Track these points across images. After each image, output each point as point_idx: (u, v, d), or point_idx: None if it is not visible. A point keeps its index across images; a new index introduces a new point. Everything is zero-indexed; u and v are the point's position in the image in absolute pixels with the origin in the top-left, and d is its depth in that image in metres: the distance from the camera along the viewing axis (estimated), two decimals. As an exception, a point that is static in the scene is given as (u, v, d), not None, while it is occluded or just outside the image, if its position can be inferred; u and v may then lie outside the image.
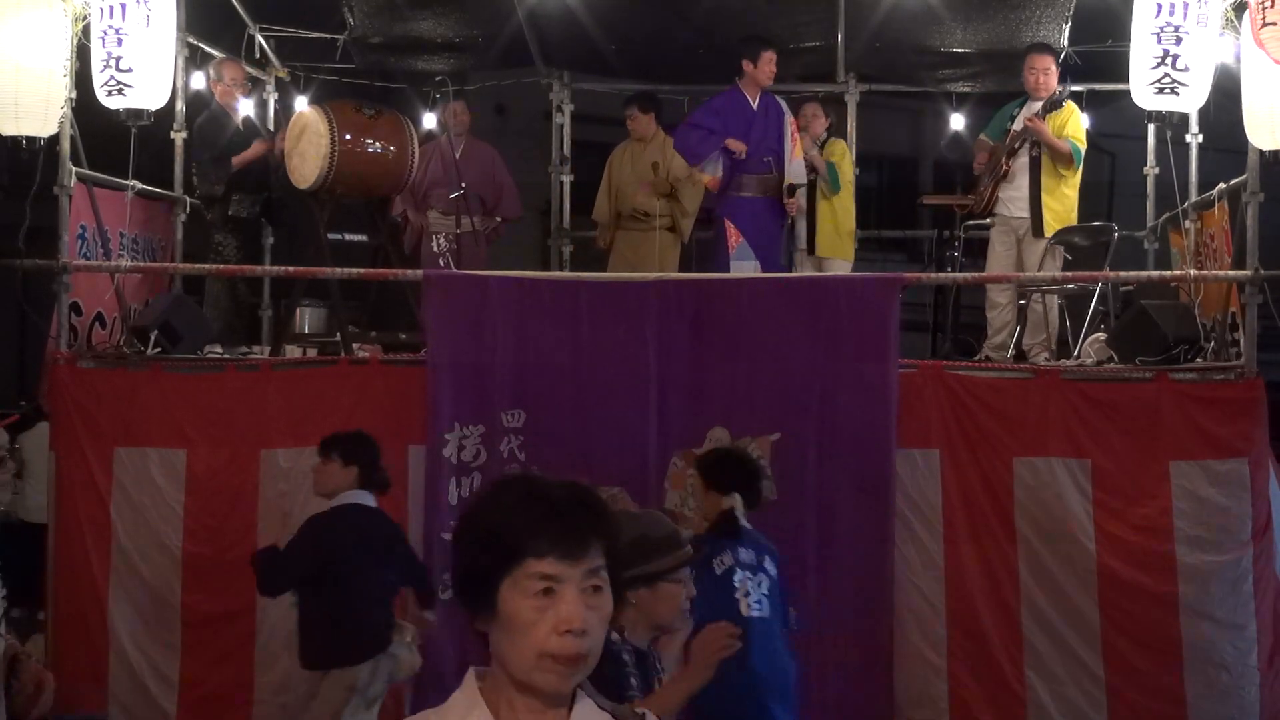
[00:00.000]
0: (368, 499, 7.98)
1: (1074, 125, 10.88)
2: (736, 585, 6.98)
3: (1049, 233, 10.80)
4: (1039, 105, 10.87)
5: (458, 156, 11.78)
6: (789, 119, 11.22)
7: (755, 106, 11.28)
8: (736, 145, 11.09)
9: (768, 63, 11.15)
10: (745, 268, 11.12)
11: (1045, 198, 10.79)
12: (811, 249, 11.64)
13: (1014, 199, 10.94)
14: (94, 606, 9.37)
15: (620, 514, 6.05)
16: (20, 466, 13.04)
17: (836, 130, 12.41)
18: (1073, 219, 10.94)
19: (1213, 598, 9.03)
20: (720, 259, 11.35)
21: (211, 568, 9.17)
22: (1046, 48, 11.27)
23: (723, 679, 6.16)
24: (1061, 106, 10.84)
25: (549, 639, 2.66)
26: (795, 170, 11.17)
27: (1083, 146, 10.92)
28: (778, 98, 11.36)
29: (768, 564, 7.12)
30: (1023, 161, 10.88)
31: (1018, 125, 10.96)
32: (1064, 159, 10.76)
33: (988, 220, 11.14)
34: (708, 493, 7.34)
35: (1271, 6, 6.76)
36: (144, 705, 9.26)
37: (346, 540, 7.80)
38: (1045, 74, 10.96)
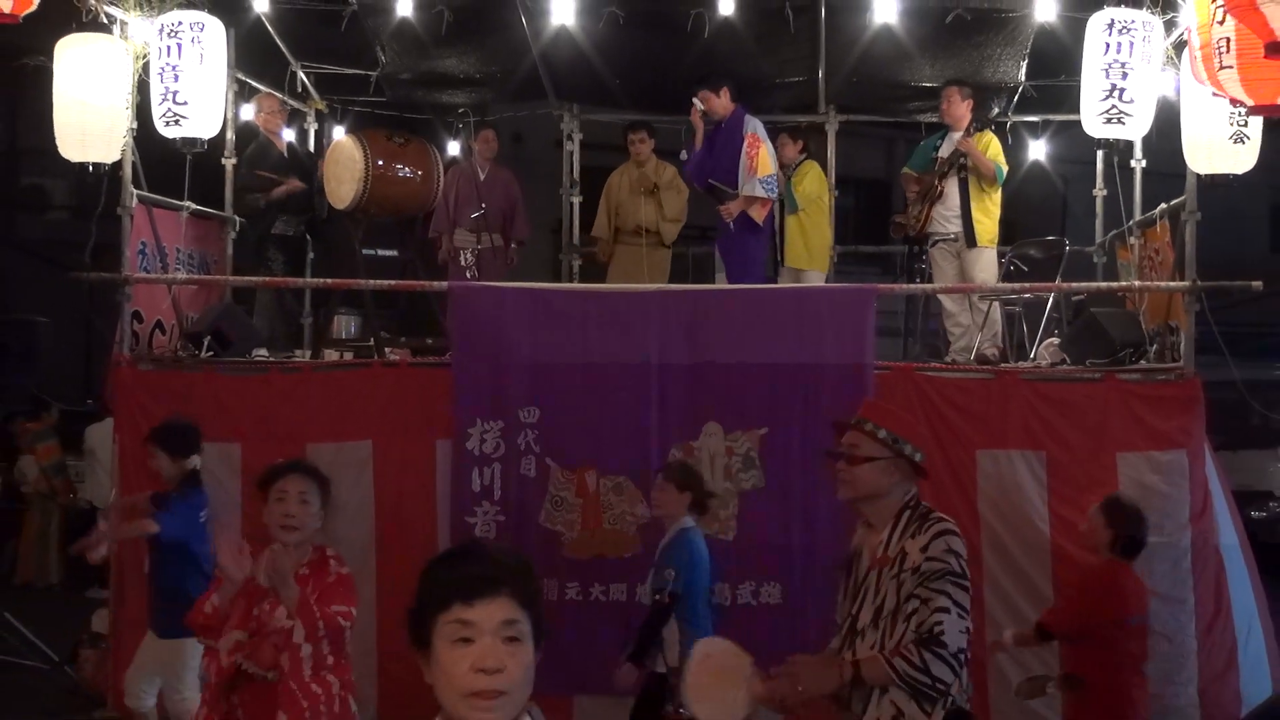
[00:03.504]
0: None
1: (995, 151, 11.01)
2: (210, 532, 7.72)
3: (981, 243, 10.90)
4: (959, 135, 10.91)
5: (482, 178, 11.81)
6: (747, 139, 10.97)
7: (721, 126, 11.18)
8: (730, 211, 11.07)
9: (709, 100, 11.02)
10: (718, 279, 11.29)
11: (975, 213, 10.86)
12: (782, 260, 11.65)
13: (947, 216, 11.01)
14: (159, 583, 9.35)
15: None
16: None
17: (817, 155, 12.41)
18: (997, 231, 11.07)
19: (1156, 575, 9.00)
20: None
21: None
22: (960, 82, 11.31)
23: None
24: (983, 132, 10.91)
25: None
26: (748, 186, 10.85)
27: (1004, 168, 11.00)
28: (749, 119, 11.09)
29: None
30: (953, 183, 10.92)
31: (945, 151, 11.01)
32: (988, 178, 10.81)
33: (944, 234, 11.09)
34: (173, 459, 7.96)
35: (1227, 51, 6.75)
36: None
37: None
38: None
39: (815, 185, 12.05)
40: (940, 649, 4.43)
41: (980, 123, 11.01)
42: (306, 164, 12.05)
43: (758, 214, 10.96)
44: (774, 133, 11.78)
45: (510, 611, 2.51)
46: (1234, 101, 7.37)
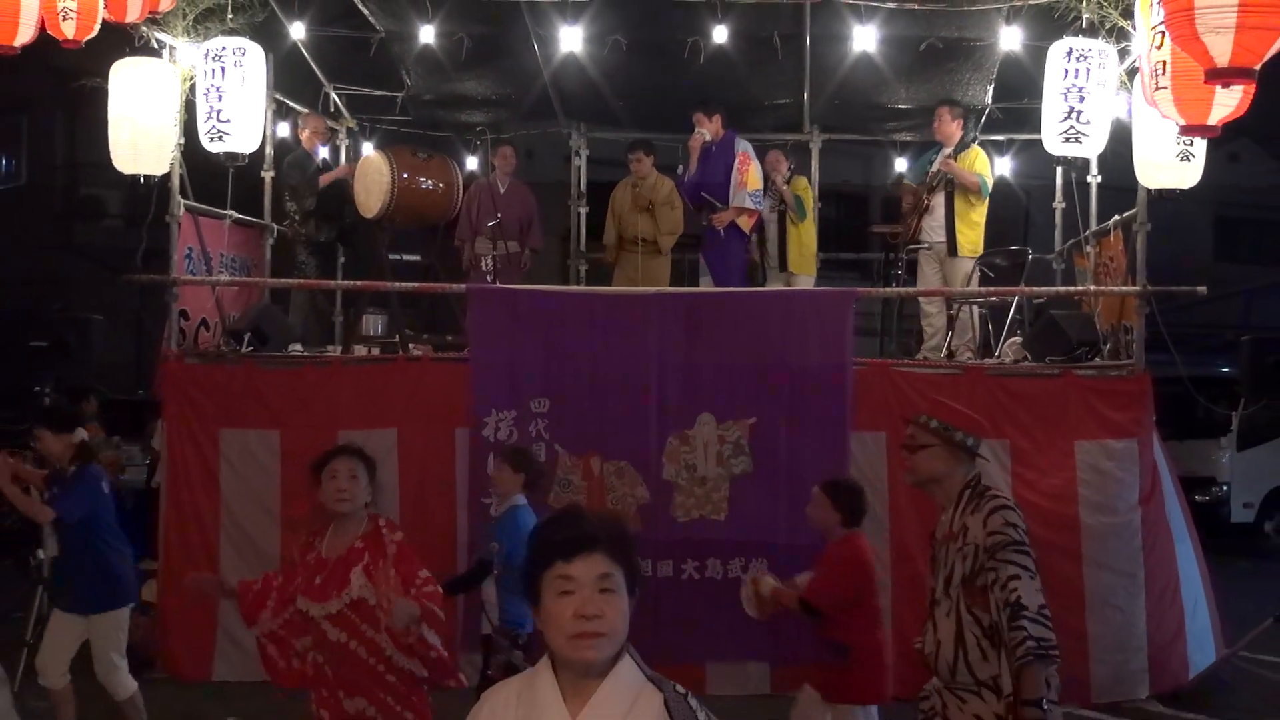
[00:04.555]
0: None
1: (981, 164, 10.92)
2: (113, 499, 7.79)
3: (962, 254, 10.85)
4: (950, 150, 10.89)
5: (503, 191, 11.80)
6: (739, 158, 11.22)
7: (712, 149, 11.40)
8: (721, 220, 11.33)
9: (700, 123, 11.30)
10: (702, 282, 11.38)
11: (959, 225, 10.82)
12: (784, 266, 11.61)
13: (934, 227, 10.97)
14: (205, 554, 9.38)
15: None
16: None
17: (801, 171, 12.39)
18: (981, 243, 10.97)
19: (1109, 551, 9.06)
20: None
21: (305, 524, 9.08)
22: (952, 102, 11.29)
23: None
24: (969, 148, 10.87)
25: None
26: (738, 198, 11.15)
27: (989, 180, 10.93)
28: (739, 140, 11.35)
29: None
30: (940, 197, 10.90)
31: (935, 168, 10.98)
32: (973, 190, 10.76)
33: (923, 244, 11.10)
34: (57, 435, 7.62)
35: (1163, 73, 6.77)
36: (249, 634, 9.21)
37: None
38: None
39: (809, 197, 12.05)
40: (1025, 611, 4.46)
41: (969, 138, 11.00)
42: (347, 165, 12.08)
43: (745, 223, 11.13)
44: (764, 150, 11.82)
45: (605, 566, 2.65)
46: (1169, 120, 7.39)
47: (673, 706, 2.65)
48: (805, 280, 11.64)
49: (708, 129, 11.22)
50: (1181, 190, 9.09)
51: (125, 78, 9.46)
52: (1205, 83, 6.08)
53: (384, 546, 5.34)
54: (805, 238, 11.73)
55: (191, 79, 9.64)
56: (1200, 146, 8.86)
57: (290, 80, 11.77)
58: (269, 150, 11.37)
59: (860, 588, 6.34)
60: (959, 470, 4.90)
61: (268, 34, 10.40)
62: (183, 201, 9.98)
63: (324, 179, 11.43)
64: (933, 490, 5.01)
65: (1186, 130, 7.08)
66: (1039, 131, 9.66)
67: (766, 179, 11.61)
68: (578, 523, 2.73)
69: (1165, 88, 6.78)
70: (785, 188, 11.48)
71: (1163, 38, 6.63)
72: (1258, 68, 5.74)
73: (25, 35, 7.45)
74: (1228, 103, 6.55)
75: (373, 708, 5.23)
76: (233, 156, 9.70)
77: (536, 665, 2.73)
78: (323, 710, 5.32)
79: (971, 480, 4.88)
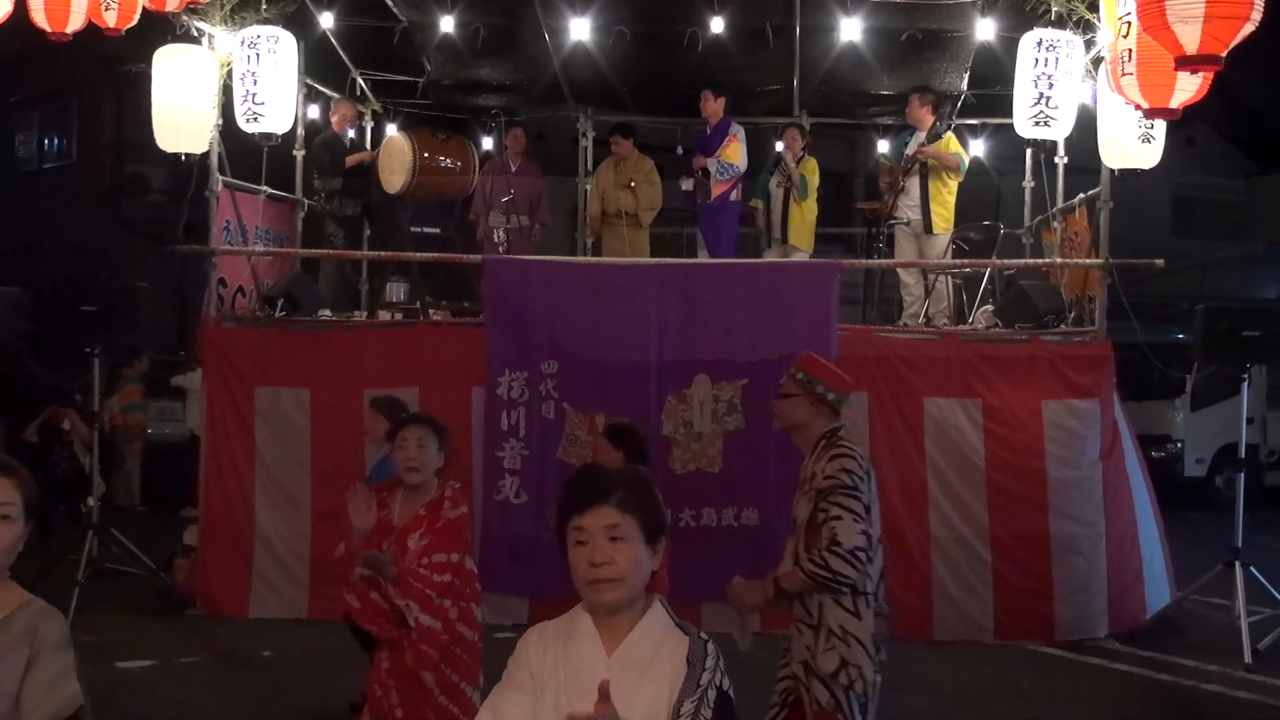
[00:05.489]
0: None
1: (955, 145, 10.91)
2: None
3: (936, 230, 10.81)
4: (924, 135, 10.84)
5: (515, 170, 11.74)
6: (730, 135, 11.16)
7: (708, 132, 11.36)
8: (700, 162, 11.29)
9: (706, 99, 11.21)
10: (700, 255, 11.38)
11: (932, 203, 10.78)
12: (785, 238, 11.49)
13: (909, 206, 10.93)
14: (241, 503, 9.42)
15: None
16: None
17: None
18: (952, 220, 10.94)
19: (1073, 503, 9.08)
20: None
21: (333, 475, 9.03)
22: (923, 89, 11.23)
23: None
24: (941, 137, 10.84)
25: None
26: (711, 161, 11.09)
27: (966, 158, 10.92)
28: (734, 124, 11.28)
29: None
30: (914, 179, 10.86)
31: (910, 150, 10.93)
32: (953, 168, 10.72)
33: (900, 220, 11.05)
34: None
35: (1129, 60, 6.75)
36: (282, 575, 9.38)
37: None
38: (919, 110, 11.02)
39: (815, 177, 11.92)
40: (837, 548, 4.46)
41: (941, 128, 10.97)
42: (368, 152, 12.04)
43: (715, 188, 11.11)
44: (757, 133, 11.76)
45: (613, 518, 2.65)
46: (1135, 106, 7.37)
47: (693, 649, 2.66)
48: (802, 254, 11.57)
49: (710, 106, 11.17)
50: (1142, 170, 9.07)
51: (168, 64, 9.42)
52: (1175, 69, 6.06)
53: (437, 520, 5.23)
54: (807, 215, 11.64)
55: (229, 65, 9.61)
56: (1160, 130, 8.83)
57: (320, 66, 11.71)
58: (300, 131, 11.32)
59: None
60: (819, 421, 4.79)
61: (299, 23, 10.35)
62: (221, 178, 9.96)
63: (350, 160, 11.38)
64: (794, 436, 4.92)
65: (1150, 113, 7.05)
66: (1010, 116, 9.61)
67: (779, 156, 11.56)
68: (590, 479, 2.76)
69: (1130, 74, 6.76)
70: (794, 166, 11.37)
71: (1129, 27, 6.61)
72: (1224, 55, 5.72)
73: (76, 23, 7.45)
74: (1188, 88, 6.54)
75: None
76: (267, 136, 9.68)
77: (573, 609, 2.75)
78: (379, 654, 5.29)
79: (829, 431, 4.76)
